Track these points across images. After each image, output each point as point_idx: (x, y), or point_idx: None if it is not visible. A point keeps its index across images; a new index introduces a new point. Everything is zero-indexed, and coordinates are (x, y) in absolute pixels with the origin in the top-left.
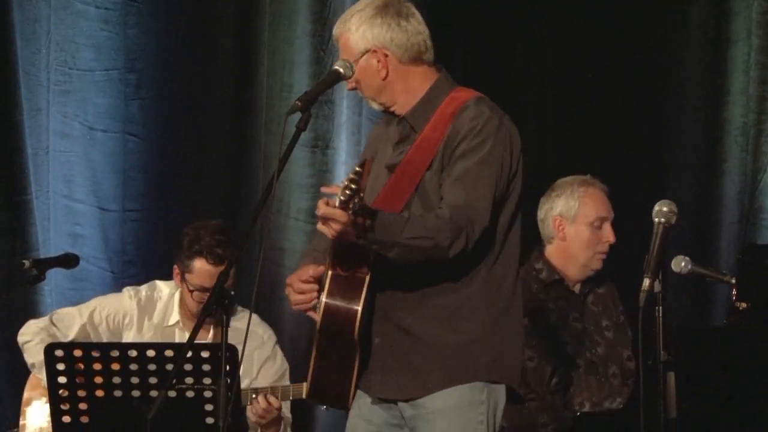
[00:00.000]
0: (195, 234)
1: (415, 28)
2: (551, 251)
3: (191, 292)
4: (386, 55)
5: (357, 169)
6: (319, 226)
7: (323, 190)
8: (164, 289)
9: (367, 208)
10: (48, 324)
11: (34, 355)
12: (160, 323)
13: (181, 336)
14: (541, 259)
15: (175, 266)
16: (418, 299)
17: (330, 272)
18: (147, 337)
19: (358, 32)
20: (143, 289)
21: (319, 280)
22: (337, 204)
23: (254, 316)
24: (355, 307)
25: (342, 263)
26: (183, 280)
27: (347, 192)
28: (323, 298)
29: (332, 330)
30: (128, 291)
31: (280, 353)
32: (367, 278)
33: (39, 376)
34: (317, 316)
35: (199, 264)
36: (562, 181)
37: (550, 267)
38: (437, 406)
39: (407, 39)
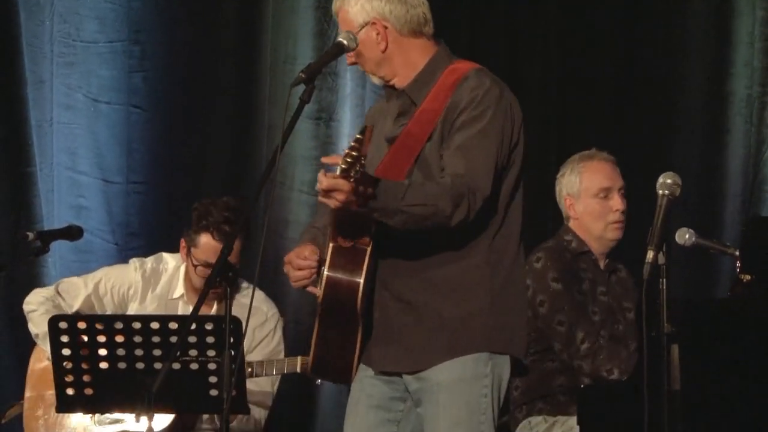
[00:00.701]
0: (204, 209)
1: (415, 0)
2: (573, 227)
3: (195, 266)
4: (385, 27)
5: (358, 136)
6: (321, 198)
7: (324, 160)
8: (170, 261)
9: (368, 175)
10: (53, 294)
11: (38, 325)
12: (165, 295)
13: (185, 309)
14: (570, 231)
15: (182, 240)
16: (420, 271)
17: (331, 244)
18: (150, 308)
19: (357, 5)
20: (149, 261)
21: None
22: (338, 172)
23: (261, 294)
24: (357, 279)
25: (343, 235)
26: (188, 254)
27: (348, 160)
28: (325, 271)
29: (334, 303)
30: (134, 262)
31: (279, 334)
32: (369, 249)
33: (43, 347)
34: (318, 291)
35: (205, 239)
36: (568, 160)
37: (578, 238)
38: (441, 379)
39: (406, 11)
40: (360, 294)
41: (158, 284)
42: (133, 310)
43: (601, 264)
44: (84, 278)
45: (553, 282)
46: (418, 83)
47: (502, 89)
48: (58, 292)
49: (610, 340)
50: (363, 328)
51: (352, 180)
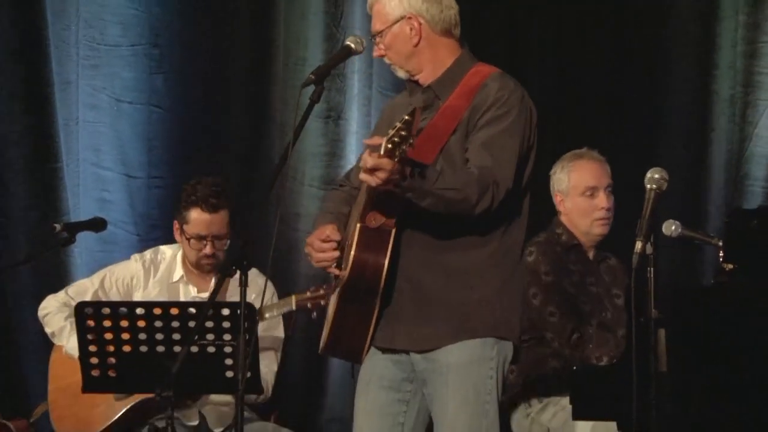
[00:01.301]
0: (191, 188)
1: (449, 2)
2: (564, 221)
3: (188, 240)
4: (420, 24)
5: (406, 117)
6: (363, 176)
7: (366, 141)
8: (167, 251)
9: (411, 159)
10: (64, 296)
11: (52, 324)
12: (166, 280)
13: (185, 290)
14: (561, 225)
15: (175, 222)
16: (435, 255)
17: (359, 225)
18: (154, 293)
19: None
20: (148, 253)
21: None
22: (382, 151)
23: (254, 270)
24: (382, 260)
25: (372, 215)
26: (182, 232)
27: (395, 139)
28: (352, 251)
29: (359, 282)
30: (134, 256)
31: (272, 290)
32: (394, 231)
33: (59, 343)
34: (342, 272)
35: (195, 214)
36: (560, 158)
37: (568, 232)
38: (450, 361)
39: (440, 11)
40: (384, 273)
41: (158, 271)
42: (138, 297)
43: (591, 255)
44: (90, 278)
45: (545, 275)
46: (444, 80)
47: (523, 92)
48: (68, 294)
49: (598, 329)
50: (379, 309)
51: (397, 159)
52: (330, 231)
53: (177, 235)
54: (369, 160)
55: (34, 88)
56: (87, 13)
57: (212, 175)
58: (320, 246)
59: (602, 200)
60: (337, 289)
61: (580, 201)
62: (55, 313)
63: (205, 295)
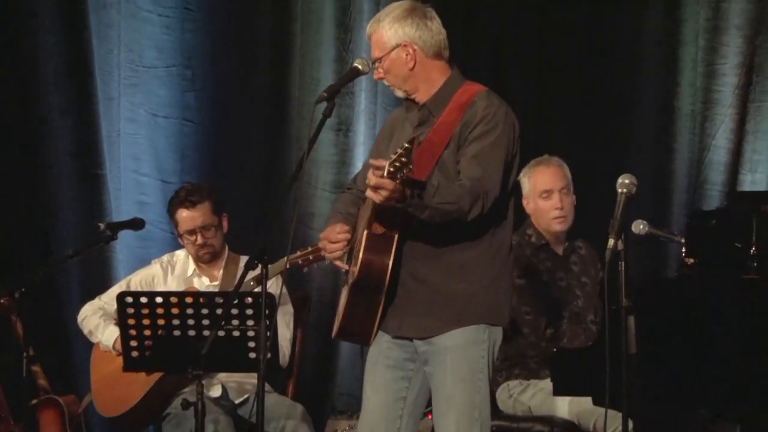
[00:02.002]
0: (174, 195)
1: (438, 29)
2: (533, 222)
3: (183, 237)
4: (414, 50)
5: (406, 145)
6: (368, 193)
7: (372, 162)
8: (181, 253)
9: (411, 179)
10: (98, 302)
11: (89, 325)
12: (182, 275)
13: (198, 282)
14: (531, 226)
15: (174, 229)
16: (434, 255)
17: (366, 231)
18: (173, 287)
19: (391, 29)
20: (165, 256)
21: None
22: (385, 174)
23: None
24: (387, 261)
25: (377, 224)
26: (178, 234)
27: (397, 164)
28: (360, 254)
29: (367, 280)
30: (154, 261)
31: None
32: (396, 236)
33: (96, 340)
34: (352, 267)
35: (180, 213)
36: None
37: (537, 232)
38: (448, 344)
39: (431, 37)
40: (389, 273)
41: (175, 269)
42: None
43: (560, 250)
44: (119, 284)
45: (517, 278)
46: (437, 99)
47: (507, 109)
48: (101, 300)
49: (570, 323)
50: (385, 301)
51: (398, 181)
52: (340, 227)
53: (179, 240)
54: (373, 179)
55: (82, 105)
56: (127, 39)
57: (188, 182)
58: (334, 238)
59: (556, 201)
60: (348, 286)
61: (539, 202)
62: (90, 316)
63: (216, 284)
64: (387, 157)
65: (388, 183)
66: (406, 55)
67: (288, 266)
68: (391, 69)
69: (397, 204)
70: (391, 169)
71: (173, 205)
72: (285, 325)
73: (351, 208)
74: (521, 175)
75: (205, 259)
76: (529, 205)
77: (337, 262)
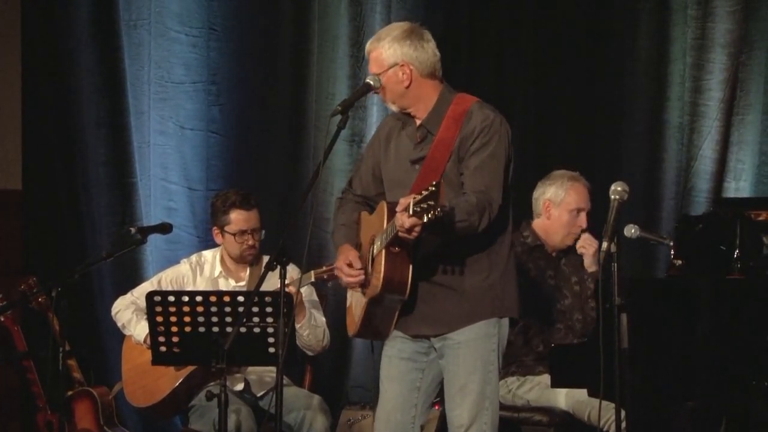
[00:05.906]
0: (223, 197)
1: (433, 50)
2: (537, 224)
3: (233, 236)
4: (411, 69)
5: (432, 188)
6: (401, 234)
7: (402, 201)
8: (208, 254)
9: (438, 218)
10: (130, 297)
11: (122, 318)
12: (210, 276)
13: (225, 282)
14: (528, 228)
15: (215, 228)
16: (445, 258)
17: (385, 251)
18: (201, 287)
19: (390, 49)
20: (194, 257)
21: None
22: (411, 213)
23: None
24: (407, 274)
25: (396, 245)
26: (223, 234)
27: (423, 206)
28: (382, 272)
29: (389, 294)
30: (183, 260)
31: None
32: (412, 252)
33: (128, 334)
34: (374, 282)
35: (235, 214)
36: (556, 173)
37: (534, 235)
38: (462, 339)
39: (427, 58)
40: (408, 286)
41: (203, 269)
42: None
43: (553, 253)
44: (149, 281)
45: None
46: (432, 116)
47: (501, 118)
48: (133, 295)
49: (555, 317)
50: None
51: (426, 220)
52: (352, 257)
53: (218, 239)
54: (406, 223)
55: (116, 118)
56: (157, 57)
57: (233, 188)
58: (348, 272)
59: (583, 221)
60: (366, 298)
61: (566, 215)
62: (123, 310)
63: (241, 284)
64: (387, 159)
65: (419, 225)
66: (403, 74)
67: (314, 279)
68: (387, 86)
69: (421, 233)
70: (417, 209)
71: (226, 205)
72: (317, 312)
73: (353, 216)
74: (554, 182)
75: (248, 260)
76: (551, 210)
77: (357, 289)
